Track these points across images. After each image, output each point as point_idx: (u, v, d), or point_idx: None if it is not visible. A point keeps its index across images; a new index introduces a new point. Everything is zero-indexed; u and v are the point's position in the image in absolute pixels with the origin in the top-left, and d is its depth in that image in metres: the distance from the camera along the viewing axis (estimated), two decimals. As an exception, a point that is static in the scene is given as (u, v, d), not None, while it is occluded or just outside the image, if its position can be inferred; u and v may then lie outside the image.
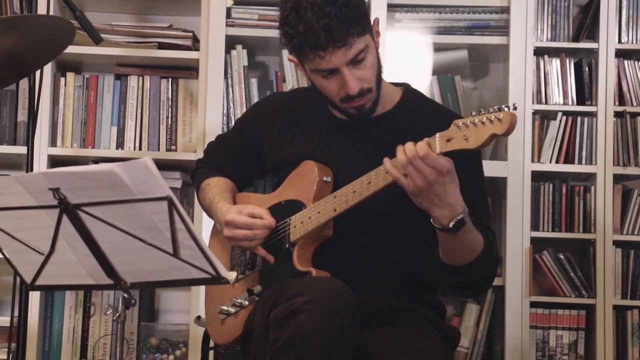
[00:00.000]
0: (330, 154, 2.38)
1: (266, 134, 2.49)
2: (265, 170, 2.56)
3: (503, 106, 2.00)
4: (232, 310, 2.37)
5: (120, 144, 3.60)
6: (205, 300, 2.52)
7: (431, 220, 2.13)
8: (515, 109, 2.00)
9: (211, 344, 2.63)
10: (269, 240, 2.34)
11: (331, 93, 2.30)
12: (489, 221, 2.36)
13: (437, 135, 2.07)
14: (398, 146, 2.08)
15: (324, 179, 2.33)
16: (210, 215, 2.51)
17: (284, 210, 2.35)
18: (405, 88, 2.47)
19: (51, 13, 3.34)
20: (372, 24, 2.30)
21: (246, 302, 2.34)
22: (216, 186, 2.53)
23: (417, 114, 2.39)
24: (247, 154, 2.56)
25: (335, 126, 2.41)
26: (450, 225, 2.10)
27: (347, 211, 2.22)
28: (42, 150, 3.49)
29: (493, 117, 1.99)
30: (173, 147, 3.61)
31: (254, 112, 2.58)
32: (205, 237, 2.55)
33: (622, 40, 3.59)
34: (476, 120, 2.02)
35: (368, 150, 2.34)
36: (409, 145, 2.06)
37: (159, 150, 3.60)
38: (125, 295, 2.01)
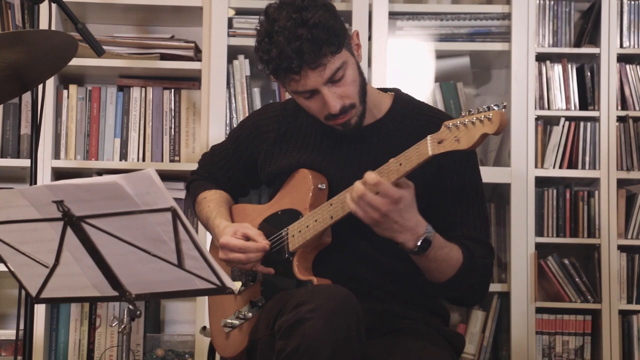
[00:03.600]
0: (324, 164, 2.37)
1: (260, 147, 2.49)
2: (260, 181, 2.56)
3: (492, 105, 2.00)
4: (237, 322, 2.36)
5: (123, 156, 3.60)
6: (209, 315, 2.52)
7: (399, 246, 2.13)
8: (504, 107, 2.00)
9: (217, 357, 2.62)
10: (267, 251, 2.33)
11: (315, 112, 2.30)
12: (482, 231, 2.31)
13: (428, 137, 2.06)
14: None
15: (319, 186, 2.32)
16: (207, 229, 2.51)
17: (281, 220, 2.35)
18: (396, 94, 2.45)
19: (53, 26, 3.33)
20: (351, 37, 2.28)
21: (249, 314, 2.34)
22: (212, 200, 2.53)
23: (409, 120, 2.38)
24: (243, 167, 2.56)
25: (328, 137, 2.40)
26: (416, 249, 2.11)
27: (345, 217, 2.21)
28: (45, 162, 3.50)
29: (483, 116, 1.99)
30: (176, 158, 3.61)
31: (248, 125, 2.57)
32: (208, 247, 2.55)
33: (624, 45, 3.59)
34: (466, 120, 2.01)
35: (361, 159, 2.33)
36: (356, 183, 2.06)
37: (162, 161, 3.60)
38: (130, 306, 2.01)
